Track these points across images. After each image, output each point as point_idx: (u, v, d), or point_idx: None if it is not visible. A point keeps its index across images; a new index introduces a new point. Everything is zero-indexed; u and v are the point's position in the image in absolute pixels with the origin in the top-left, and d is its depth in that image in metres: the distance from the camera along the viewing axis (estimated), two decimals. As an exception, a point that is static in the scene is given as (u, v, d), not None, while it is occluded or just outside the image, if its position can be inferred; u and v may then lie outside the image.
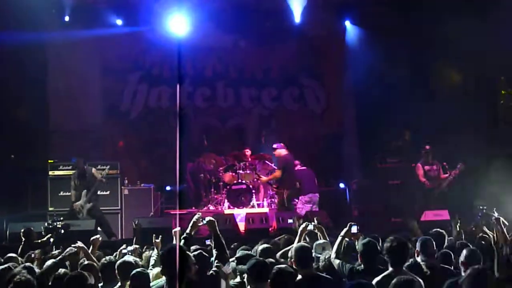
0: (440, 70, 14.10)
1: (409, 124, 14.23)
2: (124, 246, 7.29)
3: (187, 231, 5.75)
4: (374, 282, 4.84)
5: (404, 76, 13.75)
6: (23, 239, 8.95)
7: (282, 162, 12.44)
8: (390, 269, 4.99)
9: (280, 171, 12.42)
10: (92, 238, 7.06)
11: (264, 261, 5.05)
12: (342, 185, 14.31)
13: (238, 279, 5.60)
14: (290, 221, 10.91)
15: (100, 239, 7.19)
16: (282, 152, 12.41)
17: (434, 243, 6.09)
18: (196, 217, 5.83)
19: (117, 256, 6.87)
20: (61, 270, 5.68)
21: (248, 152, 13.89)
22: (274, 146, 12.55)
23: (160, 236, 6.78)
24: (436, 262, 5.86)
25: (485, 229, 7.10)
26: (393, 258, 5.03)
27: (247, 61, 16.04)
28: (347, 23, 15.54)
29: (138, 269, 5.56)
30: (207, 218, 5.83)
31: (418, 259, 5.87)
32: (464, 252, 5.49)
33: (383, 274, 4.97)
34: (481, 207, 9.16)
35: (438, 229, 7.07)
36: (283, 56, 15.82)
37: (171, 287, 4.54)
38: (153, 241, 6.81)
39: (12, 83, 13.94)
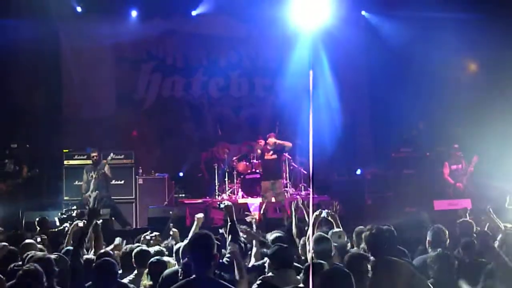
0: (456, 58, 13.90)
1: (423, 114, 14.11)
2: (148, 232, 7.20)
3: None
4: None
5: (418, 66, 13.60)
6: (38, 228, 9.03)
7: None
8: (371, 258, 4.86)
9: None
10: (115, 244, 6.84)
11: (288, 248, 4.94)
12: (359, 171, 14.27)
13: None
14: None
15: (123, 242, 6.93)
16: None
17: (447, 232, 6.05)
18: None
19: (141, 241, 6.82)
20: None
21: (261, 142, 13.84)
22: None
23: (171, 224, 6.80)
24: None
25: (493, 217, 6.96)
26: (370, 246, 4.96)
27: (261, 50, 15.98)
28: (363, 12, 15.36)
29: (156, 257, 5.58)
30: (225, 203, 5.72)
31: (429, 249, 5.83)
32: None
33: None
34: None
35: (466, 219, 7.03)
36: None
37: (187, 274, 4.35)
38: (170, 230, 6.79)
39: (27, 73, 14.05)
